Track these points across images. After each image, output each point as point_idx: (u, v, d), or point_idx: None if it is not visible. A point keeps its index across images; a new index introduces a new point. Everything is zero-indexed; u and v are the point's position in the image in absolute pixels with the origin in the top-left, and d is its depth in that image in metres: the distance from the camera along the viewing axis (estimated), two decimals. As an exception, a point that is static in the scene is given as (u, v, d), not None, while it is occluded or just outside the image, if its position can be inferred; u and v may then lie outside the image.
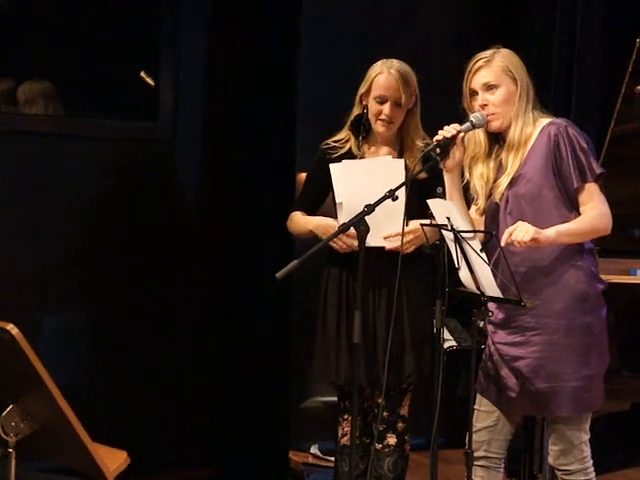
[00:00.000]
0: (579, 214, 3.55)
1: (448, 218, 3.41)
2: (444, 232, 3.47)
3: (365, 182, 3.83)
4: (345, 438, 4.10)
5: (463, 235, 3.40)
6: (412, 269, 3.88)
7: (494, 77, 3.59)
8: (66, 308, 5.04)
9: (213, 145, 5.27)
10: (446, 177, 3.65)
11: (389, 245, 3.91)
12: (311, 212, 4.14)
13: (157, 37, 5.24)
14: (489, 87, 3.60)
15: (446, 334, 4.05)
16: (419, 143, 4.02)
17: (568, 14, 5.61)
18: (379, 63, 4.03)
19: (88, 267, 5.04)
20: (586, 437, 3.61)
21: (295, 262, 3.56)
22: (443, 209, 3.46)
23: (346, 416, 4.10)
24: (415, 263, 3.92)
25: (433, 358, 3.90)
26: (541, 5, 5.74)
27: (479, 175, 3.66)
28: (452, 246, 3.46)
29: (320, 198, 4.12)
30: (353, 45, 5.43)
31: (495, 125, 3.61)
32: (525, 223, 3.43)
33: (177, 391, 5.19)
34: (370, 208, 3.55)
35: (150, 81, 5.29)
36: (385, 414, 4.02)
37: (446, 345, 4.16)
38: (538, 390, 3.54)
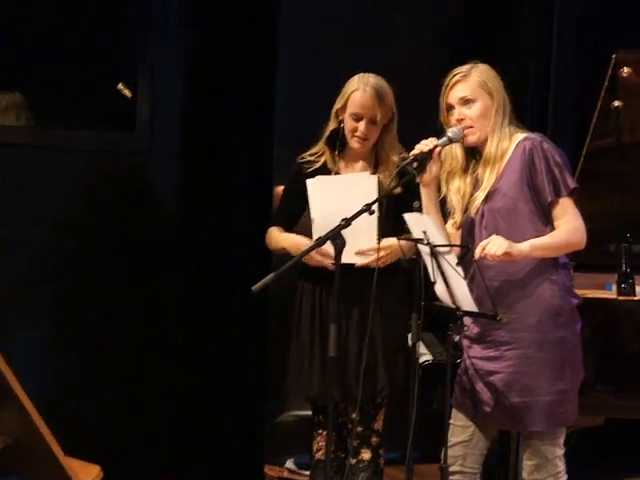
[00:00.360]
0: (554, 228, 3.56)
1: (424, 232, 3.41)
2: (420, 246, 3.47)
3: (339, 198, 3.83)
4: (320, 453, 4.09)
5: (439, 249, 3.40)
6: (386, 283, 3.86)
7: (471, 91, 3.61)
8: (40, 321, 5.01)
9: (190, 157, 5.26)
10: (423, 191, 3.66)
11: (360, 261, 3.90)
12: (289, 227, 4.14)
13: (134, 48, 5.24)
14: (466, 101, 3.61)
15: (422, 348, 4.06)
16: (394, 158, 4.02)
17: (545, 29, 5.63)
18: (355, 79, 4.03)
19: (64, 279, 5.02)
20: (560, 452, 3.62)
21: (271, 275, 3.56)
22: (419, 223, 3.46)
23: (320, 430, 4.09)
24: (390, 277, 3.91)
25: (407, 372, 3.90)
26: (518, 21, 5.76)
27: (456, 190, 3.67)
28: (428, 260, 3.46)
29: (297, 212, 4.10)
30: (330, 59, 5.43)
31: (472, 139, 3.62)
32: (499, 237, 3.44)
33: (151, 405, 5.16)
34: (347, 222, 3.55)
35: (128, 93, 5.28)
36: (359, 429, 4.01)
37: (422, 359, 4.16)
38: (512, 404, 3.54)
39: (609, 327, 4.24)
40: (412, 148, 3.63)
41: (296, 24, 5.43)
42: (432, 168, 3.61)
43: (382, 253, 3.83)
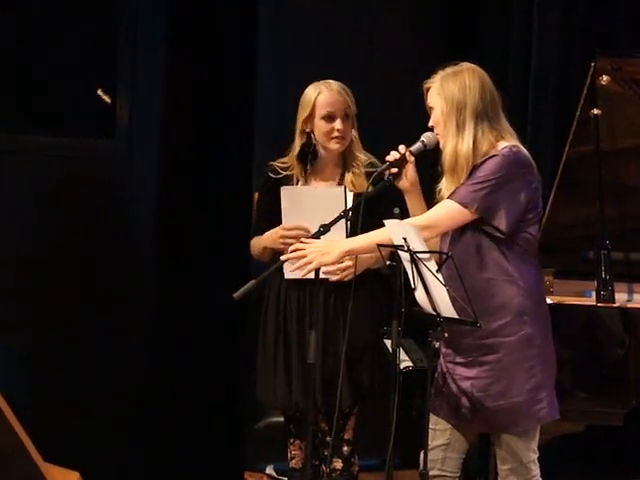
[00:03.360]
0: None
1: (405, 239, 3.40)
2: (400, 253, 3.47)
3: (310, 210, 3.82)
4: (294, 461, 4.08)
5: (419, 256, 3.40)
6: (350, 291, 3.78)
7: (431, 99, 3.61)
8: (16, 328, 4.99)
9: (169, 163, 5.25)
10: (407, 199, 3.66)
11: (333, 277, 3.86)
12: None
13: (115, 55, 5.23)
14: (430, 108, 3.62)
15: (402, 354, 4.06)
16: (362, 156, 4.00)
17: (524, 35, 5.64)
18: (313, 85, 4.00)
19: (42, 286, 5.00)
20: (534, 456, 3.61)
21: (252, 282, 3.57)
22: (400, 230, 3.46)
23: (292, 439, 4.08)
24: (355, 286, 3.80)
25: (373, 380, 3.92)
26: (496, 27, 5.78)
27: (445, 188, 3.64)
28: (408, 267, 3.46)
29: (273, 221, 4.03)
30: (311, 63, 5.43)
31: (441, 144, 3.62)
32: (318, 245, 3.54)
33: (129, 411, 5.15)
34: (326, 228, 3.57)
35: (107, 99, 5.27)
36: (329, 439, 3.95)
37: (402, 365, 4.16)
38: (488, 409, 3.53)
39: (589, 334, 4.25)
40: (385, 154, 3.63)
41: (277, 28, 5.43)
42: (407, 173, 3.61)
43: (348, 264, 3.79)
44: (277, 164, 4.07)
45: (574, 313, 4.27)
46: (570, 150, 4.70)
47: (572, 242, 4.91)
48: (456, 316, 3.40)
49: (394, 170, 3.61)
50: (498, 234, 3.51)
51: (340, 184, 4.00)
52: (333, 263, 3.62)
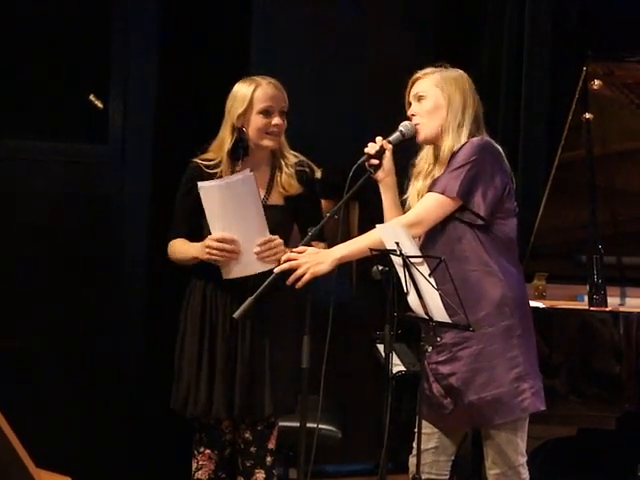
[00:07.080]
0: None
1: (397, 243, 3.40)
2: (393, 257, 3.47)
3: (229, 204, 3.69)
4: (201, 472, 3.90)
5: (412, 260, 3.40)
6: (280, 295, 3.74)
7: (426, 88, 3.63)
8: (8, 333, 4.98)
9: (162, 168, 5.25)
10: (381, 189, 3.66)
11: (278, 269, 3.61)
12: (190, 237, 3.93)
13: (107, 59, 5.22)
14: (419, 97, 3.63)
15: (395, 359, 4.05)
16: (291, 157, 3.89)
17: (516, 40, 5.66)
18: (247, 79, 3.85)
19: (33, 291, 4.99)
20: (523, 460, 3.60)
21: (250, 299, 3.55)
22: (392, 234, 3.46)
23: (202, 449, 3.89)
24: (285, 290, 3.68)
25: (296, 392, 3.76)
26: (489, 33, 5.79)
27: (416, 191, 3.68)
28: (401, 271, 3.46)
29: (195, 220, 3.87)
30: (309, 64, 5.44)
31: (420, 136, 3.63)
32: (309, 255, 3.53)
33: (121, 417, 5.15)
34: (315, 231, 3.56)
35: (99, 104, 5.27)
36: (253, 449, 3.84)
37: (395, 370, 4.16)
38: (471, 402, 3.53)
39: (581, 338, 4.26)
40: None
41: (271, 31, 5.43)
42: (384, 164, 3.61)
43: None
44: (202, 162, 3.89)
45: (566, 317, 4.27)
46: (562, 154, 4.72)
47: (564, 246, 4.92)
48: (448, 320, 3.40)
49: (374, 161, 3.61)
50: (478, 220, 3.54)
51: (270, 185, 3.88)
52: (327, 273, 3.58)
